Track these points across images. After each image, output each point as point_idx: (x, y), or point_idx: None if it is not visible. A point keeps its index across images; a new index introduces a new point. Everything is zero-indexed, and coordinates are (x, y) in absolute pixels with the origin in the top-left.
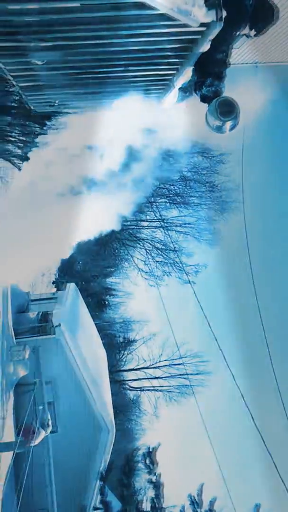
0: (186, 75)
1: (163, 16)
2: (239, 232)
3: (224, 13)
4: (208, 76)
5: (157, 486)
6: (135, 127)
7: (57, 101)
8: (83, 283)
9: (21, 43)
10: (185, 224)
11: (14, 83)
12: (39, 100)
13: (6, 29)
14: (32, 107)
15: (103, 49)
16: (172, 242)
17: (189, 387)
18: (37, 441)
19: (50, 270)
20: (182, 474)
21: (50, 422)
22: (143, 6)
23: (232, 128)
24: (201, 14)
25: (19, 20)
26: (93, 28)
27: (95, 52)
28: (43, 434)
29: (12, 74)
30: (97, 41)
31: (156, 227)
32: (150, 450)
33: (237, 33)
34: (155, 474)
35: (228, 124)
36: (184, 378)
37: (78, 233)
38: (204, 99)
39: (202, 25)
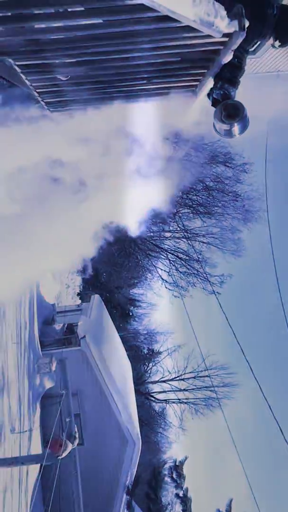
0: (208, 85)
1: (186, 28)
2: (264, 241)
3: (247, 23)
4: (219, 80)
5: (184, 501)
6: (158, 135)
7: None
8: (108, 294)
9: (46, 60)
10: (208, 234)
11: (40, 99)
12: (64, 115)
13: (32, 47)
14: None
15: (126, 63)
16: (196, 253)
17: (215, 399)
18: (64, 454)
19: (75, 282)
20: (210, 488)
21: (77, 435)
22: (166, 19)
23: (241, 131)
24: (224, 25)
25: (44, 38)
26: (117, 42)
27: (119, 66)
28: (70, 446)
29: (37, 90)
30: (121, 55)
31: (179, 238)
32: (177, 463)
33: (256, 40)
34: (182, 488)
35: (236, 127)
36: (210, 391)
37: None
38: (214, 103)
39: (224, 35)
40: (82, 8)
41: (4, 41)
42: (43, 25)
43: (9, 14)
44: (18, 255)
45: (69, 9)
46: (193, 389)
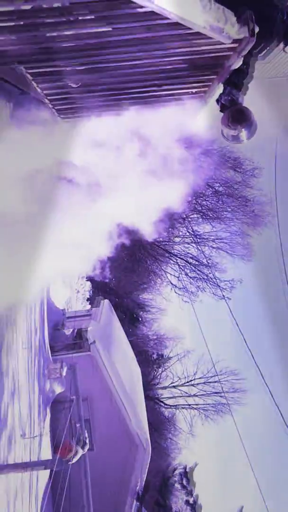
0: (218, 90)
1: (196, 34)
2: (273, 246)
3: (257, 29)
4: (227, 85)
5: (194, 508)
6: (168, 141)
7: None
8: (117, 299)
9: (57, 68)
10: (218, 239)
11: (51, 106)
12: (74, 122)
13: (45, 55)
14: None
15: (137, 70)
16: (206, 258)
17: (226, 405)
18: (74, 459)
19: (84, 287)
20: (220, 495)
21: (87, 440)
22: (176, 25)
23: (249, 136)
24: (234, 31)
25: (56, 46)
26: (127, 49)
27: (129, 73)
28: (80, 452)
29: (48, 97)
30: (132, 62)
31: (188, 243)
32: (187, 470)
33: (265, 45)
34: (192, 495)
35: (243, 132)
36: (220, 396)
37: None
38: (222, 109)
39: (234, 41)
40: (93, 16)
41: (17, 50)
42: (54, 33)
43: (22, 23)
44: (31, 257)
45: (80, 18)
46: (203, 394)
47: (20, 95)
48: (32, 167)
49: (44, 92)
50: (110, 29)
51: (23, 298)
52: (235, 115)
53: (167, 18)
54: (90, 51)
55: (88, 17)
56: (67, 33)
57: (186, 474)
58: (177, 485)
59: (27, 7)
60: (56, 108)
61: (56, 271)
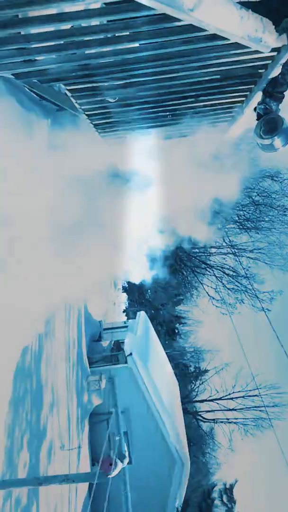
0: (256, 100)
1: (234, 45)
2: None
3: None
4: (262, 95)
5: None
6: (204, 153)
7: None
8: (153, 311)
9: (96, 84)
10: (256, 249)
11: (89, 121)
12: (112, 136)
13: (83, 72)
14: None
15: (174, 82)
16: (243, 269)
17: (266, 419)
18: (114, 473)
19: (120, 299)
20: None
21: (127, 453)
22: (214, 37)
23: (285, 143)
24: (272, 40)
25: (95, 63)
26: (165, 63)
27: (167, 86)
28: (120, 465)
29: (87, 113)
30: (169, 75)
31: (226, 253)
32: (227, 486)
33: None
34: None
35: (277, 140)
36: (260, 411)
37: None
38: (258, 118)
39: (273, 50)
40: (129, 33)
41: (57, 68)
42: (93, 51)
43: (62, 42)
44: (82, 259)
45: (117, 34)
46: (242, 408)
47: (57, 111)
48: (82, 173)
49: (82, 107)
50: (148, 44)
51: (72, 297)
52: (266, 124)
53: (205, 30)
54: (128, 66)
55: (126, 33)
56: (105, 50)
57: (226, 491)
58: (217, 502)
59: (67, 26)
60: (94, 123)
61: (104, 271)
